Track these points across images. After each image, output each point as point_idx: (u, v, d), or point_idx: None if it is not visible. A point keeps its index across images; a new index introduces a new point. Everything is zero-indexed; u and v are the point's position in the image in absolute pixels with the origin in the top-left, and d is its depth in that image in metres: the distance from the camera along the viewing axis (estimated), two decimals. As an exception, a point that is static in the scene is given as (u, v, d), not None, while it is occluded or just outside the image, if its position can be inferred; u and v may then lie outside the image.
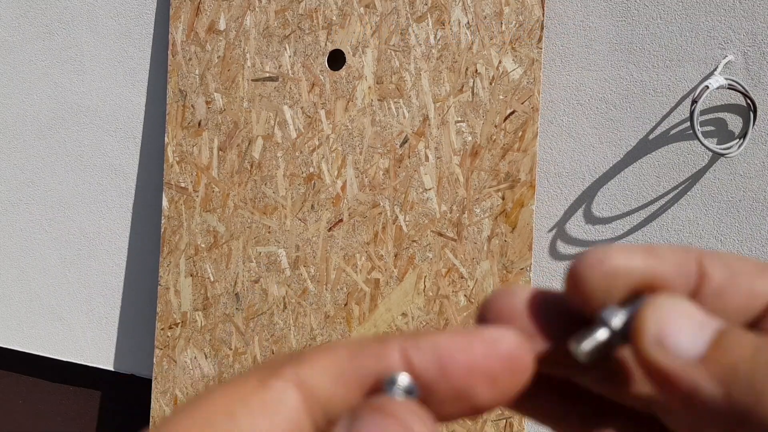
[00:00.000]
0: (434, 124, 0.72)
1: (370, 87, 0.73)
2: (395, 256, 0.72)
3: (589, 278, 0.18)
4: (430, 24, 0.71)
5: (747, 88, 0.64)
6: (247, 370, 0.16)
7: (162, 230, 0.82)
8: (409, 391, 0.16)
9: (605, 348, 0.18)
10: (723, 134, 0.67)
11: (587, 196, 0.71)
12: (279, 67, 0.76)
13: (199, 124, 0.79)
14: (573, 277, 0.18)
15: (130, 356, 0.91)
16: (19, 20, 0.92)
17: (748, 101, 0.65)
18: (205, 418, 0.15)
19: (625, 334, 0.18)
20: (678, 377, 0.16)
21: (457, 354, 0.16)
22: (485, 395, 0.17)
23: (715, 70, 0.65)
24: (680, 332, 0.17)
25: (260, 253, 0.78)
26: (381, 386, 0.16)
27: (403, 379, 0.16)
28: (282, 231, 0.77)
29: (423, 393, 0.17)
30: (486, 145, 0.70)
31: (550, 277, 0.72)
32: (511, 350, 0.17)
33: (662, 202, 0.69)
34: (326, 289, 0.75)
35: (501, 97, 0.69)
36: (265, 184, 0.77)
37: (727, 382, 0.16)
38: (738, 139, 0.66)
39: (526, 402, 0.19)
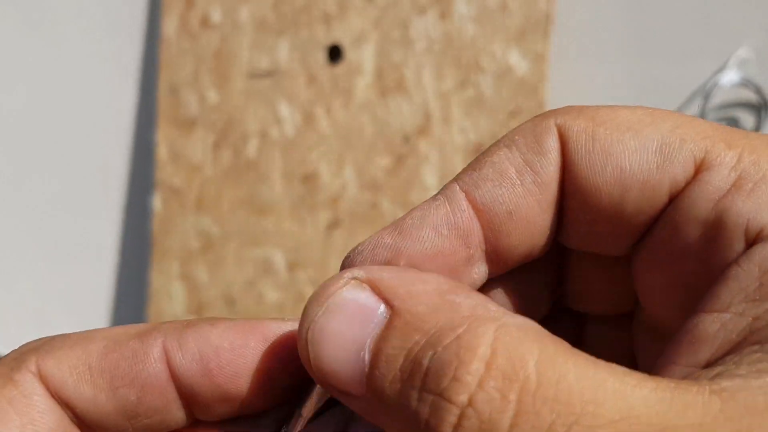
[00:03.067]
0: (436, 121, 0.70)
1: (369, 82, 0.71)
2: (397, 258, 0.71)
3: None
4: (433, 17, 0.69)
5: (759, 85, 0.64)
6: None
7: (153, 232, 0.80)
8: None
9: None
10: (735, 131, 0.66)
11: (595, 196, 0.69)
12: (275, 62, 0.74)
13: (192, 121, 0.77)
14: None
15: (119, 362, 0.89)
16: (2, 12, 0.90)
17: (760, 98, 0.64)
18: None
19: None
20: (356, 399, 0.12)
21: (225, 354, 0.14)
22: (258, 399, 0.15)
23: (727, 65, 0.64)
24: (334, 371, 0.12)
25: (256, 255, 0.76)
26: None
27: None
28: (279, 232, 0.75)
29: (186, 394, 0.14)
30: (490, 143, 0.68)
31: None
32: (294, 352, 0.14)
33: (673, 201, 0.68)
34: (325, 293, 0.73)
35: (505, 93, 0.68)
36: (262, 183, 0.75)
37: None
38: (751, 137, 0.65)
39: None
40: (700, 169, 0.13)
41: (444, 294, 0.12)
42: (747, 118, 0.65)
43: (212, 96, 0.76)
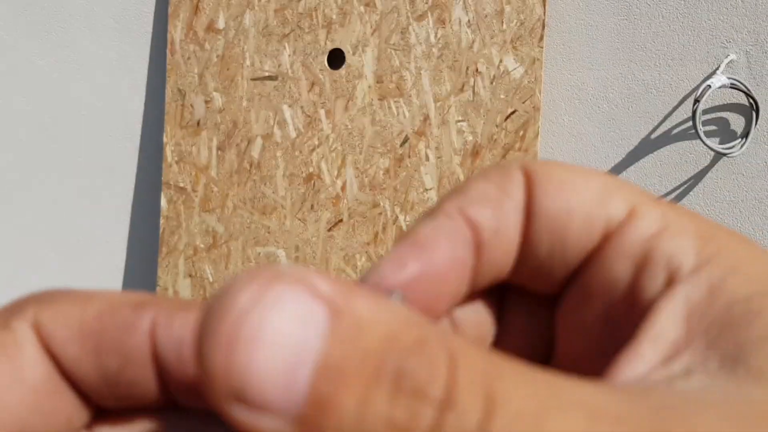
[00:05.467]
0: (435, 124, 0.71)
1: (370, 86, 0.72)
2: (395, 256, 0.72)
3: None
4: (431, 23, 0.71)
5: (749, 88, 0.64)
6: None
7: (160, 231, 0.81)
8: None
9: None
10: (725, 134, 0.66)
11: (589, 196, 0.70)
12: (278, 66, 0.76)
13: (198, 123, 0.79)
14: None
15: (128, 357, 0.91)
16: (15, 18, 0.91)
17: (751, 101, 0.64)
18: None
19: None
20: None
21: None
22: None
23: (717, 69, 0.65)
24: (265, 378, 0.10)
25: (259, 253, 0.77)
26: None
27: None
28: (281, 231, 0.76)
29: (164, 375, 0.14)
30: (487, 144, 0.70)
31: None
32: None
33: (664, 202, 0.68)
34: (326, 290, 0.75)
35: (502, 96, 0.69)
36: (265, 184, 0.77)
37: None
38: (740, 139, 0.66)
39: None
40: (631, 214, 0.15)
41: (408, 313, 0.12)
42: (737, 120, 0.66)
43: (217, 99, 0.77)
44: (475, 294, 0.17)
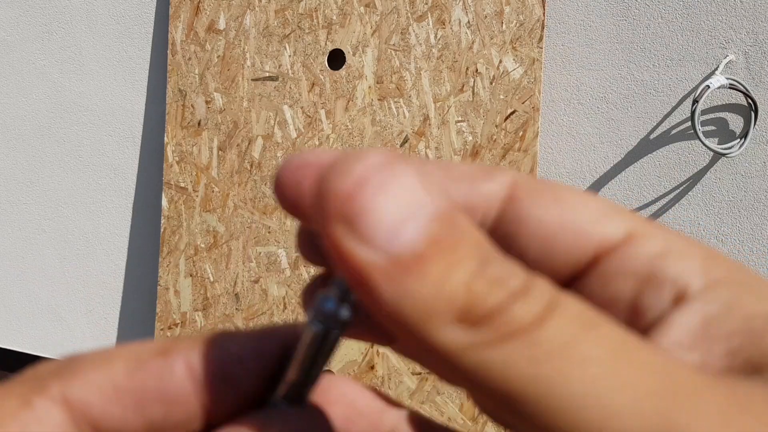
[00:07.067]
0: (434, 124, 0.72)
1: (370, 86, 0.73)
2: (395, 256, 0.72)
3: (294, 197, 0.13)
4: (431, 23, 0.71)
5: (748, 88, 0.64)
6: (11, 380, 0.15)
7: (161, 230, 0.82)
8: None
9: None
10: (724, 134, 0.67)
11: (588, 196, 0.70)
12: (279, 67, 0.76)
13: (199, 123, 0.79)
14: (281, 194, 0.14)
15: (129, 356, 0.91)
16: (18, 20, 0.92)
17: (749, 101, 0.65)
18: None
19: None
20: (368, 279, 0.11)
21: (246, 363, 0.14)
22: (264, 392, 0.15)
23: (716, 69, 0.65)
24: (381, 217, 0.11)
25: (260, 253, 0.78)
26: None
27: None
28: (282, 231, 0.77)
29: (208, 404, 0.14)
30: (486, 144, 0.70)
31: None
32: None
33: (663, 201, 0.69)
34: (326, 290, 0.75)
35: (501, 96, 0.69)
36: (265, 183, 0.77)
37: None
38: (739, 139, 0.66)
39: None
40: (631, 236, 0.15)
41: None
42: (736, 120, 0.66)
43: (218, 99, 0.78)
44: None
